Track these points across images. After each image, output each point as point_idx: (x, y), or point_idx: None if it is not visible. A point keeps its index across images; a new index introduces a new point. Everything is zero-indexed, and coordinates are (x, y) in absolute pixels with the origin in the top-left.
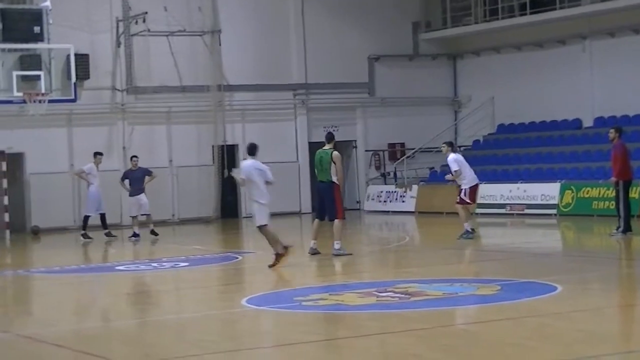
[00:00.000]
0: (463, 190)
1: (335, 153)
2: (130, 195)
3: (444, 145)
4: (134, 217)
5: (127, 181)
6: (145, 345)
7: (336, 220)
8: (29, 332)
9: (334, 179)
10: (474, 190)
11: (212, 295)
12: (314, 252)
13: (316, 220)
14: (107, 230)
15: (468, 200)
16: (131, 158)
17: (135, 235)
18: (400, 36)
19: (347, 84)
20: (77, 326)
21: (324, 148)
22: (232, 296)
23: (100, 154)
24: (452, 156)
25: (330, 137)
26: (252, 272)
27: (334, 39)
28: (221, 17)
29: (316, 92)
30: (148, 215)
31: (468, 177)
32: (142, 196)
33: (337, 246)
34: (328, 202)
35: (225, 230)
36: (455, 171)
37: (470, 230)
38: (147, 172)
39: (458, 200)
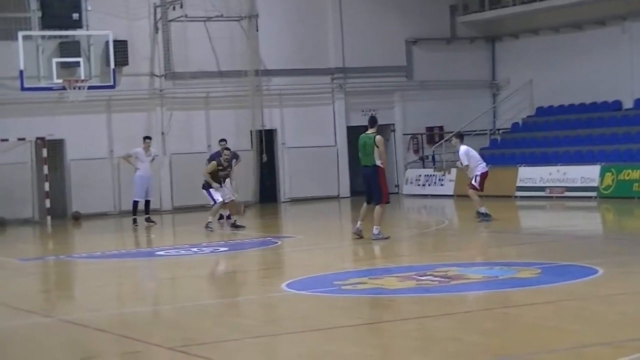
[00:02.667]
0: (474, 177)
1: (378, 137)
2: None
3: (453, 137)
4: (218, 202)
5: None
6: (186, 329)
7: (377, 206)
8: (71, 317)
9: (378, 162)
10: (484, 177)
11: (251, 279)
12: (359, 234)
13: (365, 204)
14: (147, 216)
15: (477, 187)
16: (219, 141)
17: (223, 217)
18: (438, 19)
19: (385, 68)
20: (118, 311)
21: (367, 132)
22: (272, 281)
23: (149, 137)
24: (462, 149)
25: (373, 120)
26: (291, 257)
27: (371, 23)
28: (258, 1)
29: (354, 76)
30: (231, 199)
31: (478, 167)
32: (227, 181)
33: (375, 231)
34: (373, 186)
35: (264, 214)
36: (465, 166)
37: (486, 213)
38: (235, 155)
39: (470, 186)
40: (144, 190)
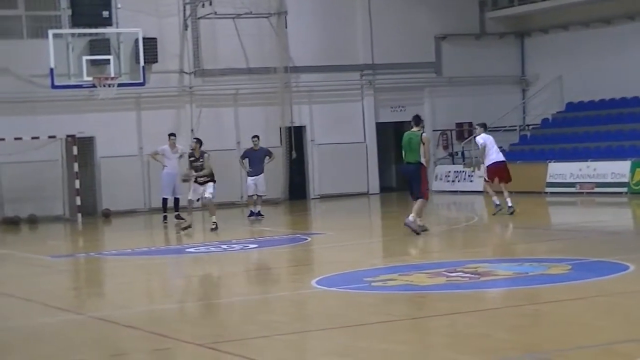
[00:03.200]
0: (485, 169)
1: (425, 135)
2: (250, 175)
3: (477, 126)
4: (250, 197)
5: (246, 160)
6: (216, 326)
7: (421, 201)
8: (101, 314)
9: (423, 160)
10: (492, 169)
11: (281, 276)
12: (423, 229)
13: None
14: (177, 213)
15: (487, 178)
16: (252, 138)
17: (253, 214)
18: (467, 15)
19: (414, 64)
20: (148, 307)
21: (412, 130)
22: (302, 277)
23: (174, 135)
24: (482, 135)
25: (418, 119)
26: (320, 254)
27: (400, 19)
28: None
29: (383, 73)
30: (260, 196)
31: (488, 158)
32: (261, 177)
33: (411, 218)
34: (415, 182)
35: (294, 211)
36: (482, 148)
37: (498, 204)
38: (268, 152)
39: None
40: (172, 188)
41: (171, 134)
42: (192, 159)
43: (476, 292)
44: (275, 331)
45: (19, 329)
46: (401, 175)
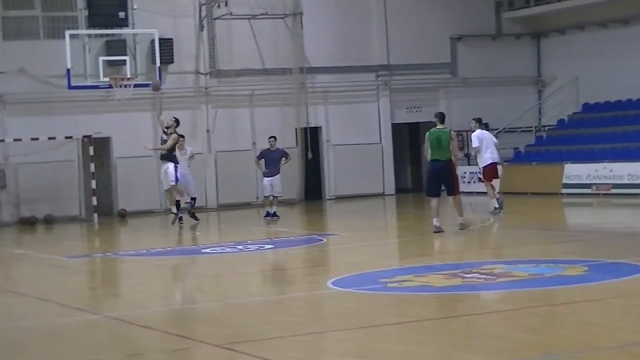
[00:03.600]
0: (481, 169)
1: (453, 131)
2: (266, 176)
3: (472, 121)
4: (267, 197)
5: (262, 161)
6: (231, 326)
7: (457, 197)
8: (117, 314)
9: (452, 157)
10: (487, 169)
11: (297, 277)
12: (439, 230)
13: (434, 199)
14: (193, 212)
15: (482, 179)
16: (269, 138)
17: (269, 215)
18: (483, 15)
19: (430, 65)
20: (164, 308)
21: (438, 127)
22: (317, 278)
23: (182, 136)
24: (477, 132)
25: (443, 116)
26: (336, 254)
27: (415, 20)
28: None
29: (398, 73)
30: (276, 197)
31: (484, 157)
32: (277, 178)
33: (461, 220)
34: (448, 179)
35: (309, 212)
36: (474, 147)
37: (497, 207)
38: (285, 153)
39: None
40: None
41: (180, 135)
42: (163, 134)
43: (492, 293)
44: (291, 332)
45: (36, 328)
46: (431, 173)
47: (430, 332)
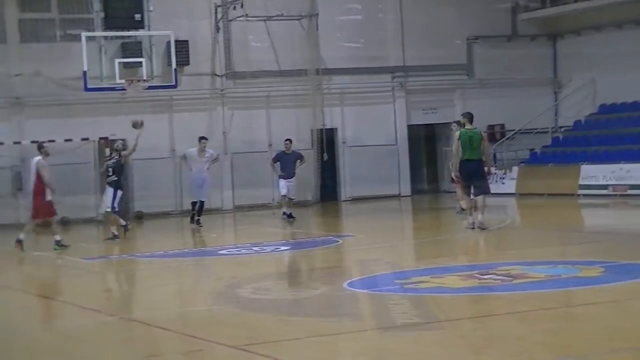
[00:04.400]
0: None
1: (483, 132)
2: (283, 178)
3: (454, 124)
4: (283, 196)
5: (278, 163)
6: (248, 328)
7: (484, 197)
8: (134, 316)
9: (483, 156)
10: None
11: (313, 278)
12: (483, 227)
13: (470, 196)
14: (197, 218)
15: (456, 180)
16: (285, 141)
17: (285, 214)
18: (499, 17)
19: (446, 66)
20: (181, 309)
21: (468, 128)
22: (333, 279)
23: (205, 138)
24: (457, 134)
25: (471, 116)
26: (352, 256)
27: (431, 21)
28: (318, 0)
29: (414, 75)
30: (291, 199)
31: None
32: (293, 180)
33: (481, 218)
34: (479, 179)
35: (325, 213)
36: (451, 145)
37: (463, 209)
38: (300, 156)
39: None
40: (194, 192)
41: (202, 138)
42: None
43: (509, 294)
44: (308, 333)
45: (54, 330)
46: (465, 172)
47: (447, 334)
